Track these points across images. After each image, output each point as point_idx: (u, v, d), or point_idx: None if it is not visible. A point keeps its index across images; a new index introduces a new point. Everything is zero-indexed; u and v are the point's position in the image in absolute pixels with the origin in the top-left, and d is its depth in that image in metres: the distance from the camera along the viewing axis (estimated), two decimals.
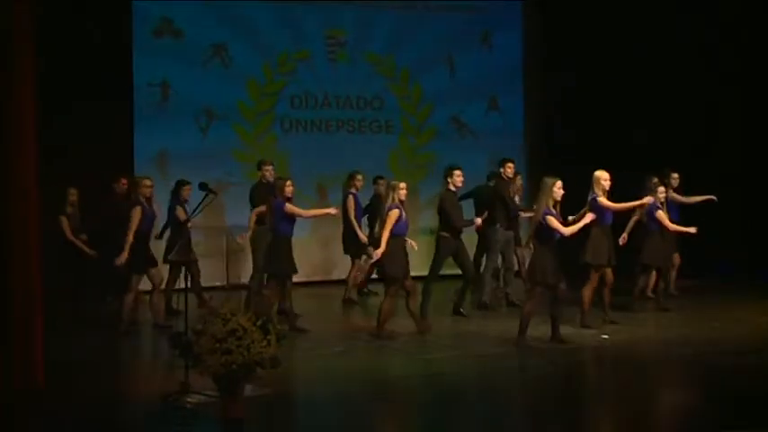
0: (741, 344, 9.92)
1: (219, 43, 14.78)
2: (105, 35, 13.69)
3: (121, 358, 10.11)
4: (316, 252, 14.83)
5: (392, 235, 10.24)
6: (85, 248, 11.74)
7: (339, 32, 15.48)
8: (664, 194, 11.88)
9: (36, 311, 8.12)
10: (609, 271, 10.91)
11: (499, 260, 12.57)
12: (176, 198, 11.92)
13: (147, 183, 10.91)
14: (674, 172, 12.72)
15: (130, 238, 10.50)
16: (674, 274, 12.86)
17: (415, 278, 10.69)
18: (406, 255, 10.47)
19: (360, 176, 13.08)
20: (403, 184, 10.50)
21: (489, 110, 16.30)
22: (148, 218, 10.82)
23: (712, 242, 12.96)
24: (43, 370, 8.15)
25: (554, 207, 9.86)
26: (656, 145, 14.51)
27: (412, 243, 10.81)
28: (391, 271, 10.32)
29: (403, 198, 10.42)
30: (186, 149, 14.28)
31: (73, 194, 11.96)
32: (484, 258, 12.77)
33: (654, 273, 12.21)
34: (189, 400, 7.61)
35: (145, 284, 10.97)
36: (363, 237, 12.82)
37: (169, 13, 14.53)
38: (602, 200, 10.62)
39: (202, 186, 8.72)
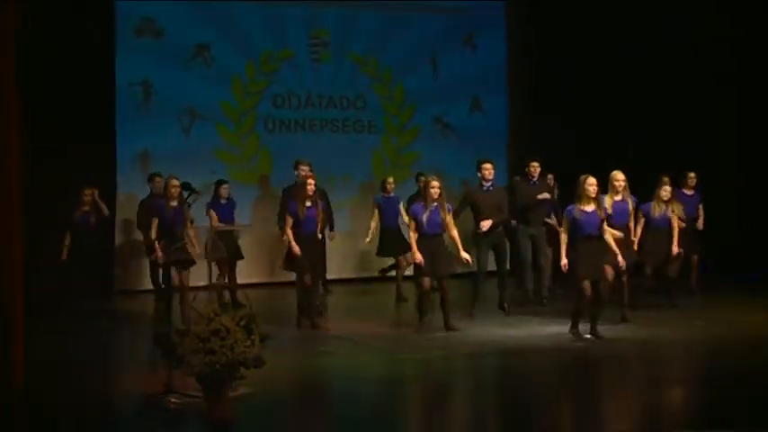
0: (726, 343, 9.96)
1: (201, 43, 14.72)
2: (87, 34, 13.62)
3: (112, 358, 10.09)
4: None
5: (420, 235, 10.37)
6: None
7: (322, 32, 15.44)
8: (667, 193, 11.76)
9: (17, 311, 8.04)
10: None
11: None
12: (216, 197, 12.20)
13: (174, 182, 11.03)
14: (691, 172, 12.82)
15: (153, 237, 10.71)
16: (693, 274, 12.90)
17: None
18: (439, 253, 10.44)
19: (390, 179, 13.19)
20: (435, 182, 10.47)
21: (472, 110, 16.28)
22: (167, 217, 10.90)
23: (709, 242, 13.00)
24: (23, 370, 8.07)
25: (592, 203, 9.90)
26: (649, 146, 14.50)
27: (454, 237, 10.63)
28: (422, 268, 10.39)
29: (435, 196, 10.40)
30: (169, 149, 14.21)
31: (87, 195, 12.03)
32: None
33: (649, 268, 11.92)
34: (173, 400, 7.57)
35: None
36: (367, 240, 12.98)
37: (150, 13, 14.46)
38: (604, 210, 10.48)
39: (185, 186, 8.75)
